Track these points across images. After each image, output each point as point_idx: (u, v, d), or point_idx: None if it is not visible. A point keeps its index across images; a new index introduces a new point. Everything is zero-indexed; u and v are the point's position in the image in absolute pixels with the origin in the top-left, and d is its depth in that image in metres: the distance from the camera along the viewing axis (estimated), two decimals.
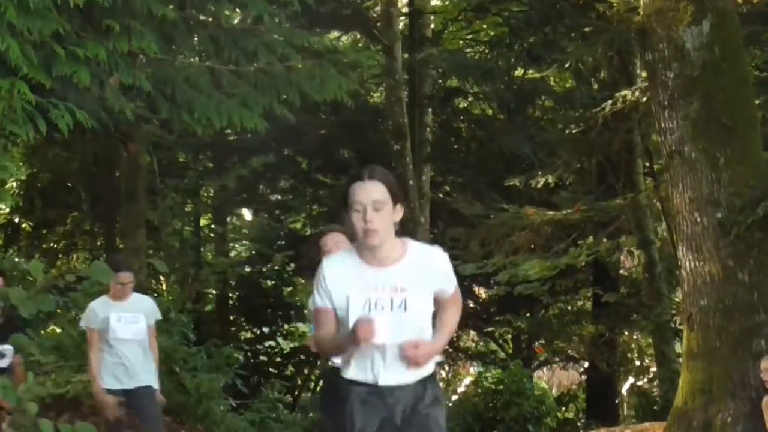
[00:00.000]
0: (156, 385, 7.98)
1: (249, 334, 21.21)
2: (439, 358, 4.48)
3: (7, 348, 7.50)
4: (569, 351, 20.79)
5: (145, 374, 7.82)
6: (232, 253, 23.66)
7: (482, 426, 15.26)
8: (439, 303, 4.42)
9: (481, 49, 21.18)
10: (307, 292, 21.72)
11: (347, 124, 19.70)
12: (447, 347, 22.29)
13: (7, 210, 19.13)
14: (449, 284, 4.42)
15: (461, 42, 21.44)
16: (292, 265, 20.69)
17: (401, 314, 4.24)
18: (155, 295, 16.34)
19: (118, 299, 7.75)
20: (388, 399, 4.31)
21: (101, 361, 7.71)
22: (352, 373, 4.40)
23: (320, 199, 22.05)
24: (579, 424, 19.11)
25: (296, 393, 20.53)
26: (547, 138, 17.42)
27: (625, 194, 14.96)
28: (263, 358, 20.47)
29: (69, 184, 20.53)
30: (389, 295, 4.26)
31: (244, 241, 24.54)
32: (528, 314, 19.94)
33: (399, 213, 4.21)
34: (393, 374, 4.32)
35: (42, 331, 11.87)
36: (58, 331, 12.08)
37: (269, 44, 8.50)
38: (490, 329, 21.39)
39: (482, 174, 19.61)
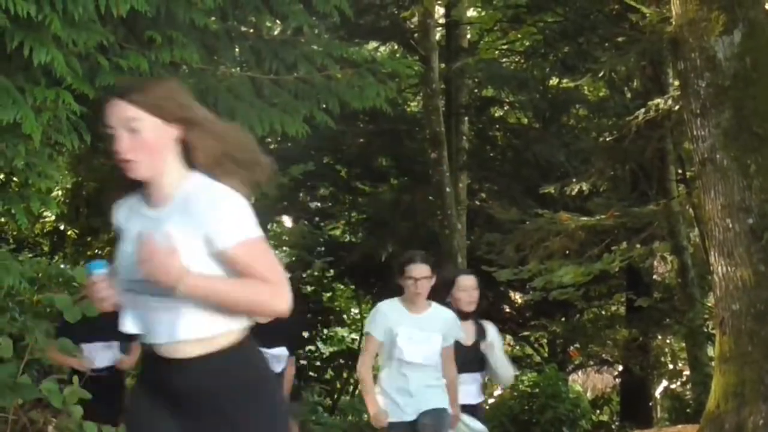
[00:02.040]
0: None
1: None
2: None
3: (282, 352, 7.24)
4: (603, 355, 20.67)
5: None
6: None
7: (518, 428, 15.28)
8: None
9: (516, 59, 21.26)
10: (345, 297, 21.68)
11: (385, 133, 19.81)
12: None
13: (53, 218, 19.26)
14: None
15: (497, 52, 21.46)
16: (332, 271, 20.86)
17: None
18: None
19: (413, 306, 6.26)
20: None
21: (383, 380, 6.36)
22: None
23: (359, 207, 22.18)
24: (613, 426, 19.07)
25: (336, 396, 20.71)
26: (581, 146, 17.43)
27: (657, 201, 14.89)
28: (303, 362, 20.51)
29: None
30: None
31: (284, 248, 24.59)
32: (563, 319, 20.01)
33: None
34: None
35: None
36: None
37: (308, 55, 8.49)
38: (525, 333, 21.43)
39: (518, 181, 19.61)
